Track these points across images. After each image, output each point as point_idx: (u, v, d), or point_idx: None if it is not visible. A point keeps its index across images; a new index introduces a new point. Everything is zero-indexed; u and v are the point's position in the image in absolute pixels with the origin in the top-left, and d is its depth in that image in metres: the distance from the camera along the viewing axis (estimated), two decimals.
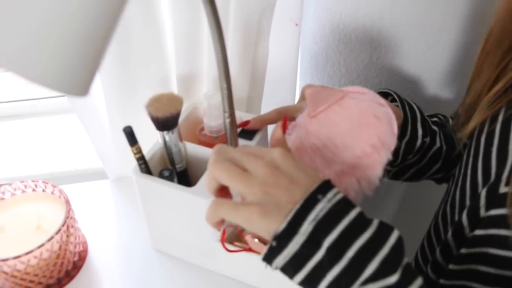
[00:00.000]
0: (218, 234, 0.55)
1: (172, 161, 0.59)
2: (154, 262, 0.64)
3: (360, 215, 0.38)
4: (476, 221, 0.47)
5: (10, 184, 0.62)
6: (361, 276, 0.36)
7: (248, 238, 0.54)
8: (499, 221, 0.44)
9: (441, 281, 0.52)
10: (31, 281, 0.57)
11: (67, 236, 0.58)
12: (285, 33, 0.68)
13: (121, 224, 0.70)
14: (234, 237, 0.57)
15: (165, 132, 0.57)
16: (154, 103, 0.56)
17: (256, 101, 0.72)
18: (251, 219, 0.38)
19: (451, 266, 0.50)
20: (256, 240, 0.54)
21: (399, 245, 0.37)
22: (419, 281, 0.37)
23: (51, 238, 0.55)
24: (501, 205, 0.44)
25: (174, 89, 0.68)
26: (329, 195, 0.38)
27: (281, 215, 0.38)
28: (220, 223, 0.42)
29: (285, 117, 0.53)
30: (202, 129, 0.64)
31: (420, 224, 0.77)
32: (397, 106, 0.59)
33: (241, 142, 0.58)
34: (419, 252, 0.61)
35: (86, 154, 0.84)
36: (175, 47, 0.64)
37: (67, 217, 0.58)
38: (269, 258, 0.38)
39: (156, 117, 0.55)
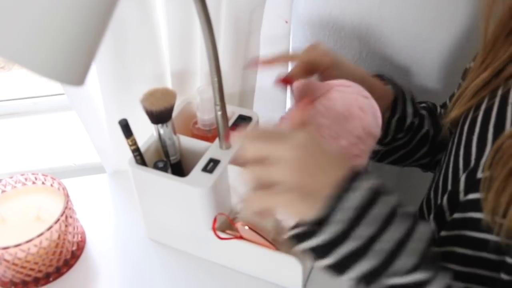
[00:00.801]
0: (210, 223, 0.58)
1: (166, 153, 0.62)
2: (149, 252, 0.66)
3: (396, 206, 0.39)
4: (456, 205, 0.49)
5: (11, 177, 0.65)
6: (391, 268, 0.38)
7: (238, 226, 0.57)
8: (476, 205, 0.46)
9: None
10: (31, 269, 0.59)
11: (66, 226, 0.61)
12: (275, 30, 0.71)
13: (118, 215, 0.72)
14: (225, 225, 0.59)
15: (159, 125, 0.59)
16: (149, 98, 0.58)
17: (248, 96, 0.74)
18: (293, 203, 0.39)
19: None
20: (247, 227, 0.56)
21: (431, 239, 0.39)
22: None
23: (50, 227, 0.58)
24: (479, 189, 0.46)
25: (169, 85, 0.71)
26: (363, 183, 0.39)
27: (317, 201, 0.39)
28: (264, 213, 0.42)
29: (307, 101, 0.52)
30: (196, 123, 0.66)
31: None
32: (388, 87, 0.61)
33: (233, 135, 0.60)
34: None
35: (84, 149, 0.87)
36: (169, 45, 0.66)
37: (65, 208, 0.60)
38: (301, 239, 0.40)
39: (150, 110, 0.57)
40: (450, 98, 0.67)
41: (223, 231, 0.59)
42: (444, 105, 0.71)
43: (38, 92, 0.97)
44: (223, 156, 0.58)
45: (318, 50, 0.60)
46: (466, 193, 0.48)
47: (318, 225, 0.39)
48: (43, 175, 0.65)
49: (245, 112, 0.65)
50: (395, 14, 0.77)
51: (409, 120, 0.63)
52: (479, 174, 0.46)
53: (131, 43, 0.64)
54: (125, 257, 0.66)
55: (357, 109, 0.53)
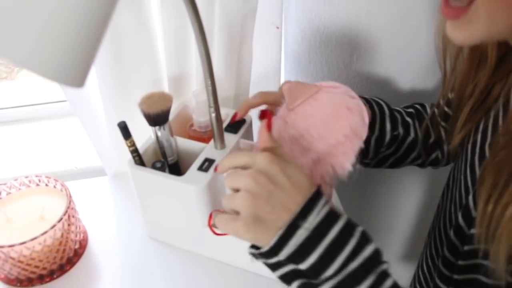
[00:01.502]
0: (206, 219, 0.60)
1: (164, 154, 0.64)
2: (149, 250, 0.69)
3: (339, 236, 0.42)
4: (470, 220, 0.50)
5: (15, 180, 0.68)
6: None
7: None
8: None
9: (455, 276, 0.55)
10: (36, 267, 0.62)
11: (69, 225, 0.63)
12: (267, 36, 0.74)
13: (118, 216, 0.75)
14: None
15: (157, 128, 0.62)
16: (147, 101, 0.61)
17: (242, 99, 0.77)
18: (238, 233, 0.43)
19: (460, 262, 0.53)
20: None
21: (374, 258, 0.42)
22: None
23: (54, 226, 0.61)
24: None
25: (166, 89, 0.74)
26: (310, 218, 0.42)
27: (263, 229, 0.42)
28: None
29: (268, 115, 0.54)
30: (192, 125, 0.69)
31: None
32: (365, 104, 0.62)
33: (227, 135, 0.63)
34: (427, 247, 0.65)
35: (85, 153, 0.89)
36: (166, 50, 0.69)
37: (68, 208, 0.63)
38: (254, 257, 0.46)
39: (148, 113, 0.60)
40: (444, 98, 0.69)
41: None
42: (437, 106, 0.71)
43: (40, 100, 1.00)
44: (218, 155, 0.61)
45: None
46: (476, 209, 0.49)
47: (265, 256, 0.43)
48: (46, 177, 0.68)
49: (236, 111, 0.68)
50: (382, 18, 0.80)
51: (387, 137, 0.64)
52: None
53: (129, 49, 0.67)
54: (126, 255, 0.69)
55: (344, 108, 0.56)
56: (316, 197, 0.43)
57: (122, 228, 0.73)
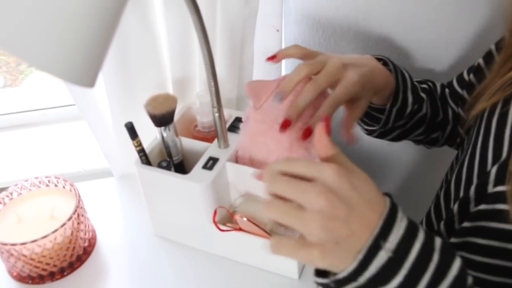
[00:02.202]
0: (211, 216, 0.62)
1: (169, 154, 0.66)
2: (156, 247, 0.71)
3: (424, 246, 0.38)
4: (483, 196, 0.49)
5: (26, 181, 0.70)
6: None
7: (237, 218, 0.61)
8: (505, 197, 0.45)
9: None
10: (47, 264, 0.64)
11: (78, 223, 0.66)
12: (268, 38, 0.76)
13: (125, 215, 0.77)
14: (226, 219, 0.64)
15: (162, 128, 0.64)
16: (152, 103, 0.63)
17: (245, 101, 0.80)
18: (312, 261, 0.37)
19: (452, 240, 0.53)
20: (245, 219, 0.61)
21: (462, 275, 0.38)
22: None
23: (64, 224, 0.63)
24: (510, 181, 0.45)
25: (170, 91, 0.76)
26: (391, 237, 0.37)
27: (342, 253, 0.37)
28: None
29: (326, 118, 0.43)
30: (196, 126, 0.72)
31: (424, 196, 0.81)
32: (391, 71, 0.63)
33: (230, 135, 0.65)
34: (424, 226, 0.64)
35: (92, 156, 0.92)
36: (170, 54, 0.72)
37: (77, 207, 0.65)
38: (324, 286, 0.40)
39: (154, 114, 0.63)
40: (459, 80, 0.69)
41: (223, 224, 0.63)
42: (449, 85, 0.71)
43: (47, 104, 1.02)
44: (222, 154, 0.63)
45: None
46: (495, 185, 0.48)
47: (347, 278, 0.38)
48: (55, 177, 0.70)
49: (241, 114, 0.70)
50: (380, 19, 0.82)
51: (409, 109, 0.64)
52: (511, 166, 0.46)
53: (134, 53, 0.69)
54: (133, 253, 0.71)
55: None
56: (393, 211, 0.39)
57: (129, 227, 0.75)
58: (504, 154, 0.48)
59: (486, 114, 0.54)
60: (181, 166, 0.68)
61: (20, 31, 0.33)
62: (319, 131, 0.41)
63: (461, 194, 0.54)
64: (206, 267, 0.68)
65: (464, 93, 0.67)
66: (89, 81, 0.37)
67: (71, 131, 0.99)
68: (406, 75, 0.65)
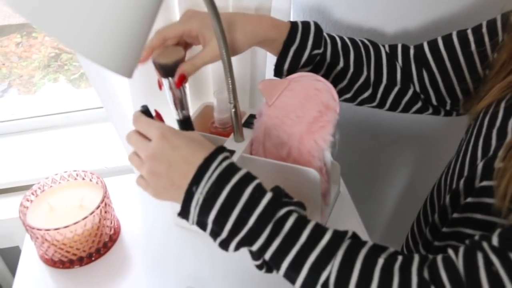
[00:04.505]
0: None
1: (181, 105, 0.67)
2: (176, 236, 0.76)
3: (234, 188, 0.48)
4: (471, 189, 0.54)
5: (56, 175, 0.75)
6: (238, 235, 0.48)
7: None
8: (490, 191, 0.50)
9: (435, 243, 0.60)
10: (77, 249, 0.69)
11: (105, 212, 0.71)
12: None
13: (146, 208, 0.82)
14: None
15: (170, 79, 0.65)
16: (161, 54, 0.64)
17: (257, 99, 0.85)
18: (151, 196, 0.53)
19: (444, 229, 0.58)
20: None
21: (272, 205, 0.47)
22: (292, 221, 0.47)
23: (93, 212, 0.68)
24: (493, 177, 0.49)
25: (187, 91, 0.82)
26: (202, 184, 0.48)
27: (171, 197, 0.51)
28: None
29: (157, 114, 0.59)
30: (213, 122, 0.77)
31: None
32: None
33: (245, 130, 0.70)
34: (421, 215, 0.69)
35: (112, 155, 0.97)
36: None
37: (104, 197, 0.71)
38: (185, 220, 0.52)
39: (165, 64, 0.63)
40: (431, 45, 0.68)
41: None
42: (417, 47, 0.70)
43: (68, 108, 1.08)
44: (238, 147, 0.68)
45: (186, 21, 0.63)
46: (481, 180, 0.52)
47: (182, 215, 0.51)
48: (83, 171, 0.76)
49: (255, 112, 0.75)
50: (382, 27, 0.88)
51: (306, 53, 0.65)
52: (497, 164, 0.50)
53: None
54: (154, 241, 0.76)
55: (314, 90, 0.64)
56: (206, 165, 0.49)
57: (150, 218, 0.80)
58: (491, 152, 0.52)
59: (481, 114, 0.59)
60: (189, 122, 0.69)
61: (67, 22, 0.38)
62: (135, 116, 0.55)
63: (454, 186, 0.59)
64: (223, 252, 0.72)
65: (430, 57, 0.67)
66: (128, 72, 0.43)
67: (92, 133, 1.05)
68: (313, 25, 0.66)
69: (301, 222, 0.47)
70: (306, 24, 0.66)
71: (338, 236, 0.46)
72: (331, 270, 0.44)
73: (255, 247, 0.48)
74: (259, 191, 0.48)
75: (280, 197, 0.48)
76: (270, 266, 0.51)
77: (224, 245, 0.50)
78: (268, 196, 0.48)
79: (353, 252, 0.45)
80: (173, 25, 0.62)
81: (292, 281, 0.47)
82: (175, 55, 0.64)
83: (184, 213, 0.50)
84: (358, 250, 0.45)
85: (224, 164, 0.49)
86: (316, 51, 0.66)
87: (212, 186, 0.48)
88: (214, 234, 0.50)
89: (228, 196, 0.47)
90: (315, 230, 0.46)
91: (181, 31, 0.61)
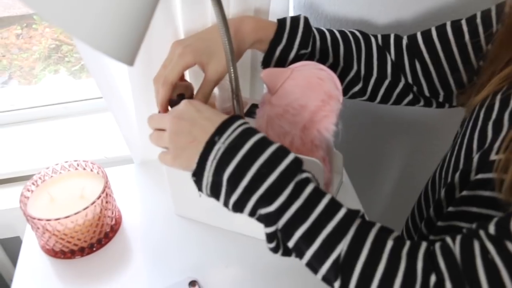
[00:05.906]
0: None
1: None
2: (177, 226, 0.75)
3: (257, 143, 0.46)
4: (466, 183, 0.53)
5: (56, 164, 0.75)
6: (255, 195, 0.45)
7: None
8: (486, 184, 0.49)
9: (431, 237, 0.60)
10: (78, 239, 0.69)
11: (106, 202, 0.70)
12: None
13: (146, 198, 0.82)
14: None
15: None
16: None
17: (257, 88, 0.84)
18: (169, 164, 0.51)
19: (439, 223, 0.57)
20: None
21: (295, 163, 0.45)
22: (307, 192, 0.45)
23: (94, 202, 0.68)
24: (489, 170, 0.49)
25: (187, 78, 0.81)
26: (225, 135, 0.47)
27: (189, 155, 0.49)
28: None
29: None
30: None
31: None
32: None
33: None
34: (416, 210, 0.69)
35: (113, 145, 0.97)
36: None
37: (105, 187, 0.70)
38: (197, 187, 0.50)
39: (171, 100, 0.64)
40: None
41: None
42: (410, 38, 0.69)
43: (67, 99, 1.07)
44: None
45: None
46: (477, 172, 0.51)
47: (197, 176, 0.49)
48: (84, 161, 0.75)
49: (257, 102, 0.75)
50: (381, 25, 0.87)
51: (293, 52, 0.66)
52: (492, 157, 0.49)
53: (157, 44, 0.74)
54: (155, 231, 0.76)
55: (316, 79, 0.63)
56: (229, 121, 0.48)
57: (151, 208, 0.80)
58: (487, 145, 0.52)
59: (477, 107, 0.58)
60: None
61: (68, 7, 0.37)
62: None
63: (449, 180, 0.58)
64: (225, 243, 0.72)
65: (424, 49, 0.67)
66: (129, 59, 0.42)
67: (90, 123, 1.04)
68: (302, 21, 0.66)
69: (319, 191, 0.46)
70: (294, 23, 0.66)
71: (353, 212, 0.45)
72: (343, 246, 0.43)
73: (274, 206, 0.45)
74: (282, 151, 0.46)
75: (301, 163, 0.47)
76: (286, 246, 0.48)
77: (239, 205, 0.47)
78: (291, 156, 0.46)
79: (364, 230, 0.44)
80: (172, 68, 0.61)
81: (300, 254, 0.46)
82: (178, 90, 0.64)
83: (199, 170, 0.48)
84: (369, 229, 0.44)
85: (248, 125, 0.49)
86: (303, 51, 0.67)
87: (235, 138, 0.47)
88: (228, 196, 0.47)
89: (250, 149, 0.46)
90: (332, 202, 0.45)
91: (181, 71, 0.62)
